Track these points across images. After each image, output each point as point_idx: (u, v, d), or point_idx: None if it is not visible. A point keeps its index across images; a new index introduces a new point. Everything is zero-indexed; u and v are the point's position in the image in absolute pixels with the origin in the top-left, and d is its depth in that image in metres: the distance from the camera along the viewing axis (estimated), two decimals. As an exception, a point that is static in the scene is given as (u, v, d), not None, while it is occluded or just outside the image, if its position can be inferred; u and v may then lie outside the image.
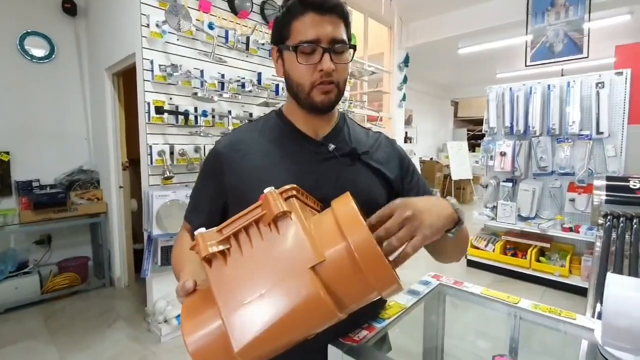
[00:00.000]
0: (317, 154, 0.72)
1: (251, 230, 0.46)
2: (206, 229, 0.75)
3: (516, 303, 0.83)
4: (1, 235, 2.72)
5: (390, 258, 0.49)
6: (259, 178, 0.69)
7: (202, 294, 0.48)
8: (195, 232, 0.48)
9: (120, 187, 3.03)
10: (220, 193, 0.72)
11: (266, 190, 0.46)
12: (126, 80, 2.86)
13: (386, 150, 0.79)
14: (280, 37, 0.69)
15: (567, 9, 3.29)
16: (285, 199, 0.47)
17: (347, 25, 0.70)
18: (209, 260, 0.45)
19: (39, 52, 2.94)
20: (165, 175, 2.22)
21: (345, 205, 0.47)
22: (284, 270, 0.43)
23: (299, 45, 0.64)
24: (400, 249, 0.50)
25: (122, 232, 3.09)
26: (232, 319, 0.41)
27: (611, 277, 0.52)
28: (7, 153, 2.77)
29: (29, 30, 2.87)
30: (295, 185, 0.50)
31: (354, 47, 0.71)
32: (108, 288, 3.06)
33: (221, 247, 0.45)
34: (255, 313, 0.41)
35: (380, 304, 0.79)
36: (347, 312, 0.46)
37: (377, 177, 0.75)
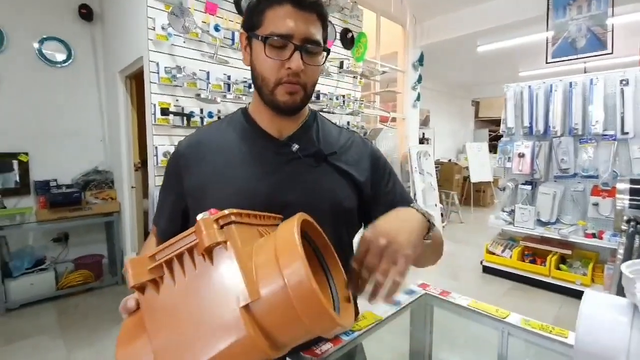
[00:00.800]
0: (279, 154, 0.68)
1: (185, 259, 0.42)
2: (169, 232, 0.74)
3: (504, 317, 0.77)
4: (19, 232, 2.84)
5: (384, 292, 0.48)
6: (217, 181, 0.66)
7: (141, 318, 0.45)
8: (125, 259, 0.45)
9: (133, 187, 3.11)
10: (180, 196, 0.71)
11: (199, 217, 0.42)
12: (138, 82, 2.92)
13: (358, 150, 0.74)
14: (250, 24, 0.65)
15: (590, 2, 3.10)
16: (222, 226, 0.43)
17: (325, 27, 0.66)
18: (140, 287, 0.43)
19: (57, 57, 3.06)
20: (170, 176, 2.24)
21: (287, 230, 0.43)
22: (215, 306, 0.39)
23: (269, 37, 0.60)
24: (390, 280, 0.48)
25: (134, 231, 3.16)
26: (162, 355, 0.39)
27: (588, 295, 0.45)
28: (26, 154, 2.90)
29: (47, 36, 2.99)
30: (234, 210, 0.45)
31: (328, 51, 0.67)
32: (120, 285, 3.14)
33: (151, 277, 0.42)
34: (185, 351, 0.38)
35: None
36: (285, 351, 0.43)
37: (345, 179, 0.70)
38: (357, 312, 0.75)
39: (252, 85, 0.69)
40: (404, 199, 0.76)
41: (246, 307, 0.38)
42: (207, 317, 0.39)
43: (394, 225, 0.53)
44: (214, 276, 0.40)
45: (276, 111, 0.67)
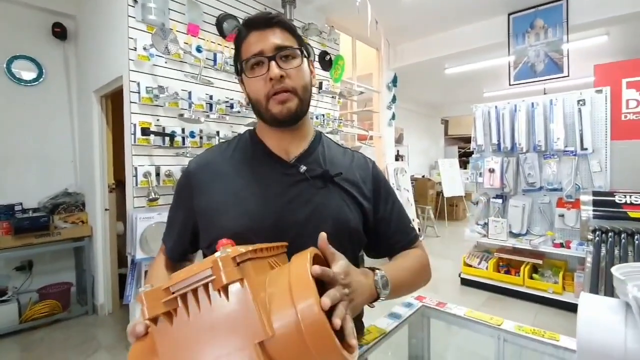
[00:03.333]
0: (287, 175, 0.69)
1: (200, 293, 0.42)
2: (176, 250, 0.74)
3: (499, 325, 0.81)
4: (-21, 262, 2.63)
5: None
6: (227, 202, 0.67)
7: (151, 343, 0.45)
8: (140, 290, 0.45)
9: (106, 209, 2.97)
10: (189, 216, 0.72)
11: (217, 254, 0.42)
12: (114, 102, 2.86)
13: (362, 171, 0.77)
14: (236, 65, 0.71)
15: (546, 30, 3.41)
16: (239, 263, 0.43)
17: (295, 35, 0.69)
18: (154, 319, 0.43)
19: (27, 75, 2.94)
20: (151, 197, 2.18)
21: (300, 266, 0.44)
22: (229, 342, 0.40)
23: (246, 61, 0.66)
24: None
25: (107, 256, 3.00)
26: None
27: (585, 298, 0.50)
28: (-11, 176, 2.72)
29: (17, 54, 2.88)
30: (250, 247, 0.46)
31: (302, 51, 0.68)
32: (90, 315, 2.94)
33: (166, 309, 0.42)
34: None
35: (359, 329, 0.76)
36: None
37: (350, 200, 0.72)
38: (362, 326, 0.76)
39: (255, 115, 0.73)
40: (402, 222, 0.79)
41: (260, 344, 0.39)
42: (221, 352, 0.39)
43: (358, 283, 0.55)
44: (229, 312, 0.40)
45: (277, 125, 0.68)
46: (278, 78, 0.64)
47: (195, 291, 0.42)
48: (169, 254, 0.78)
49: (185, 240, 0.74)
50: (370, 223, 0.75)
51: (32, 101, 2.99)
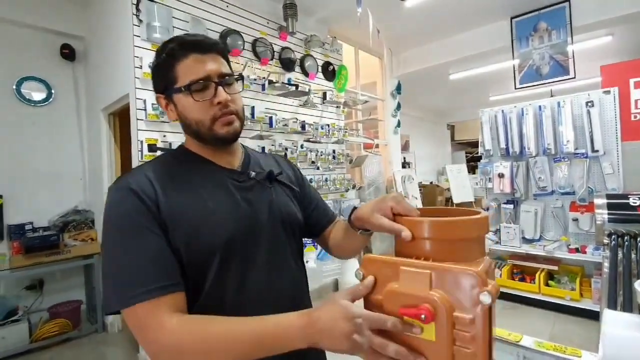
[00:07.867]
0: (242, 182, 0.73)
1: None
2: (180, 279, 0.63)
3: (518, 341, 0.77)
4: (-9, 282, 2.65)
5: None
6: (197, 216, 0.64)
7: None
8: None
9: (115, 226, 2.99)
10: (162, 236, 0.60)
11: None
12: (122, 119, 2.90)
13: (286, 168, 0.87)
14: (164, 84, 0.69)
15: (550, 33, 3.38)
16: None
17: (228, 60, 0.74)
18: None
19: (36, 96, 3.01)
20: (158, 213, 2.19)
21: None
22: None
23: (192, 85, 0.66)
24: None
25: (116, 272, 3.00)
26: None
27: (608, 315, 0.47)
28: (0, 197, 2.76)
29: (26, 75, 2.95)
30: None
31: (242, 78, 0.76)
32: (101, 333, 2.93)
33: None
34: None
35: None
36: None
37: (291, 194, 0.81)
38: None
39: (186, 134, 0.73)
40: (322, 202, 0.92)
41: None
42: None
43: None
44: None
45: (218, 144, 0.71)
46: (227, 102, 0.68)
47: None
48: (179, 302, 0.59)
49: (177, 268, 0.61)
50: (303, 204, 0.84)
51: (42, 121, 3.05)
